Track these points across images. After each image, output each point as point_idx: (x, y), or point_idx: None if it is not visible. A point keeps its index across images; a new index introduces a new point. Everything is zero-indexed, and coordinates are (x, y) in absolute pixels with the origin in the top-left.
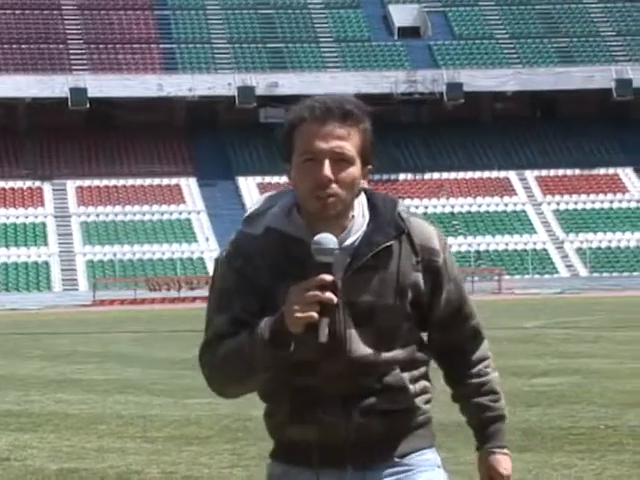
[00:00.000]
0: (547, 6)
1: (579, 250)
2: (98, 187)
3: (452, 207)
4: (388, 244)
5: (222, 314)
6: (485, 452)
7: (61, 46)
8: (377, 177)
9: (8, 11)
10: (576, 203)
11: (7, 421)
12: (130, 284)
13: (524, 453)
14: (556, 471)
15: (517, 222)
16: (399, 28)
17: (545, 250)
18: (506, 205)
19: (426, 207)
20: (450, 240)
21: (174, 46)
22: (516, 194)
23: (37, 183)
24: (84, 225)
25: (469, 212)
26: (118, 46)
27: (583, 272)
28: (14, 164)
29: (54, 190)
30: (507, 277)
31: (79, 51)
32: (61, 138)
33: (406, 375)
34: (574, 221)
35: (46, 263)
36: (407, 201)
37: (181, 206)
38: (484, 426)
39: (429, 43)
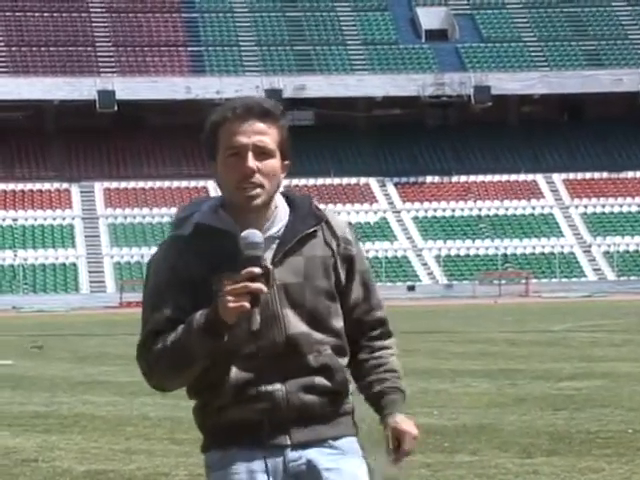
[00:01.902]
0: (575, 9)
1: (606, 254)
2: (126, 189)
3: (479, 210)
4: (310, 231)
5: (156, 312)
6: (387, 416)
7: (89, 49)
8: (404, 179)
9: (37, 14)
10: (604, 206)
11: (35, 422)
12: None
13: (551, 457)
14: (584, 475)
15: (544, 225)
16: (426, 31)
17: (572, 253)
18: (533, 208)
19: (453, 210)
20: (477, 243)
21: (202, 49)
22: (544, 197)
23: (65, 185)
24: (112, 227)
25: (496, 215)
26: (146, 49)
27: (610, 276)
28: (42, 166)
29: (82, 192)
30: (534, 280)
31: (107, 54)
32: (89, 140)
33: (339, 358)
34: (602, 224)
35: (74, 265)
36: (434, 204)
37: None
38: (383, 395)
39: (457, 46)
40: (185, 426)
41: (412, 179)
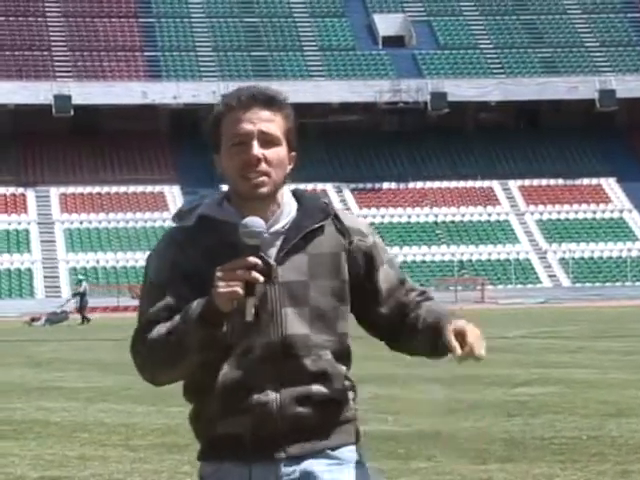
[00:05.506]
0: (531, 16)
1: (562, 260)
2: (82, 194)
3: (435, 216)
4: (316, 226)
5: (155, 304)
6: (446, 325)
7: (45, 53)
8: (361, 186)
9: None
10: (559, 213)
11: None
12: (113, 291)
13: (506, 463)
14: None
15: (500, 232)
16: (384, 37)
17: (528, 260)
18: (489, 215)
19: (409, 216)
20: (433, 249)
21: (158, 54)
22: (499, 204)
23: (20, 190)
24: (67, 232)
25: (452, 222)
26: (102, 53)
27: (566, 282)
28: None
29: (37, 197)
30: (490, 287)
31: (63, 58)
32: (45, 145)
33: (339, 364)
34: (557, 231)
35: (29, 270)
36: (390, 210)
37: (164, 213)
38: (439, 316)
39: (413, 52)
40: (140, 432)
41: (369, 185)
